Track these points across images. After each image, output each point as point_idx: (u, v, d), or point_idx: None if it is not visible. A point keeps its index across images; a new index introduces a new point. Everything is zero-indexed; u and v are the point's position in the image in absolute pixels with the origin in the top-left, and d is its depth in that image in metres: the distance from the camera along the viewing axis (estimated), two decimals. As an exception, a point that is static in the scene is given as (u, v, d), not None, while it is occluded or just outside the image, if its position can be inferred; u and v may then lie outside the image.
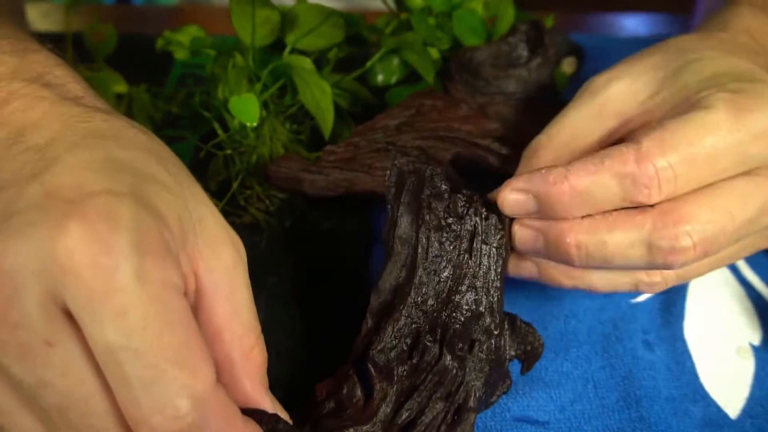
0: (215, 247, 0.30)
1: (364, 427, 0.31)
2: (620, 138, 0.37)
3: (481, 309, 0.34)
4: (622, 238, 0.32)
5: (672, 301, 0.42)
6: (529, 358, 0.35)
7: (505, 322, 0.34)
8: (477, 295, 0.34)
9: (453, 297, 0.34)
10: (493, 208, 0.35)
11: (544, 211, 0.33)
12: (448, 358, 0.32)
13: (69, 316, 0.25)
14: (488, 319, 0.34)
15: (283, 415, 0.31)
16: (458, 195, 0.35)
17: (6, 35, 0.33)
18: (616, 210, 0.32)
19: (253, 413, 0.29)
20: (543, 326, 0.40)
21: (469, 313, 0.34)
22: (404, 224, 0.35)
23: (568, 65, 0.52)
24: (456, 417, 0.32)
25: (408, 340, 0.33)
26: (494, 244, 0.34)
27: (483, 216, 0.34)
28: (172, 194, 0.28)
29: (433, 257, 0.34)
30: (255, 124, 0.45)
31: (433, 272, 0.34)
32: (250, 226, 0.45)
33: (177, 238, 0.27)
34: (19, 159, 0.27)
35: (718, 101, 0.32)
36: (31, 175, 0.26)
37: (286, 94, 0.49)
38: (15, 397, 0.25)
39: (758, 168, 0.32)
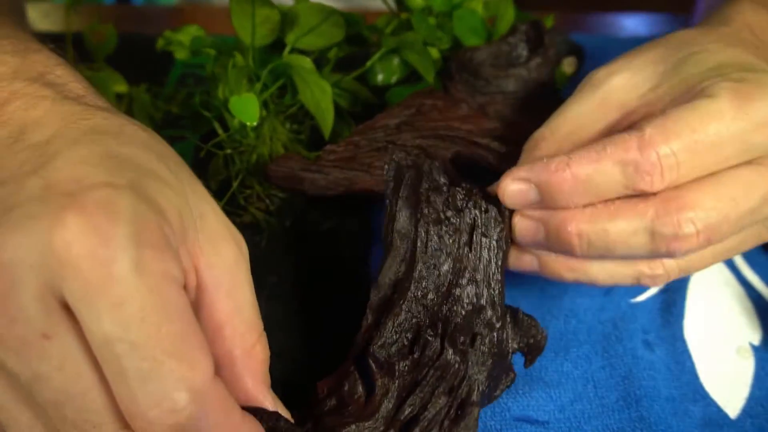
0: (216, 244, 0.30)
1: (366, 424, 0.31)
2: (622, 130, 0.37)
3: (482, 302, 0.34)
4: (624, 226, 0.32)
5: (672, 300, 0.42)
6: (532, 351, 0.35)
7: (507, 315, 0.34)
8: (478, 288, 0.34)
9: (453, 290, 0.34)
10: (492, 200, 0.35)
11: (545, 200, 0.33)
12: (450, 352, 0.32)
13: (67, 309, 0.24)
14: (489, 312, 0.33)
15: (284, 413, 0.31)
16: (457, 188, 0.35)
17: (7, 35, 0.33)
18: (618, 198, 0.32)
19: (253, 411, 0.29)
20: (543, 326, 0.40)
21: (470, 307, 0.33)
22: (403, 218, 0.34)
23: (568, 65, 0.52)
24: (459, 412, 0.32)
25: (409, 335, 0.33)
26: (494, 237, 0.34)
27: (482, 209, 0.34)
28: (172, 190, 0.28)
29: (432, 251, 0.34)
30: (255, 124, 0.45)
31: (432, 266, 0.34)
32: (251, 225, 0.45)
33: (177, 232, 0.27)
34: (20, 156, 0.27)
35: (721, 90, 0.31)
36: (32, 170, 0.26)
37: (286, 93, 0.49)
38: (12, 392, 0.25)
39: (762, 157, 0.32)
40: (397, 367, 0.32)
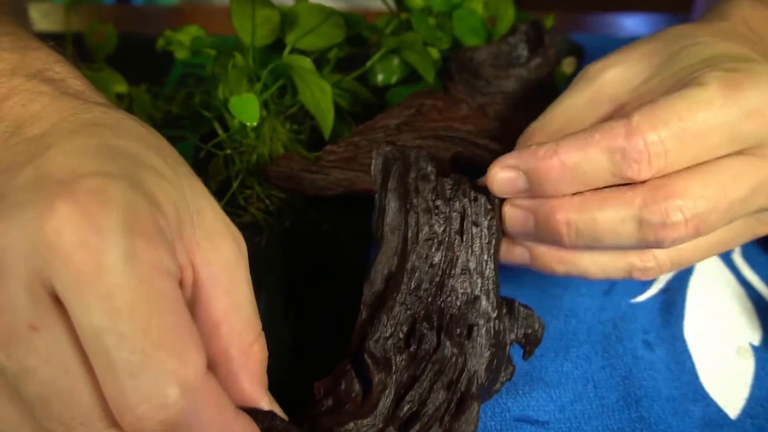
0: (214, 240, 0.29)
1: (365, 421, 0.30)
2: None
3: (477, 292, 0.33)
4: (612, 215, 0.31)
5: (672, 301, 0.42)
6: (530, 343, 0.34)
7: (503, 306, 0.34)
8: (471, 277, 0.33)
9: (447, 281, 0.33)
10: (482, 190, 0.34)
11: (533, 188, 0.33)
12: (447, 344, 0.32)
13: (56, 300, 0.24)
14: (485, 302, 0.33)
15: (281, 415, 0.30)
16: (445, 179, 0.34)
17: (7, 32, 0.33)
18: (607, 187, 0.32)
19: (248, 411, 0.28)
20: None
21: (464, 297, 0.33)
22: (392, 210, 0.34)
23: (568, 65, 0.52)
24: (459, 406, 0.31)
25: (404, 328, 0.32)
26: (485, 225, 0.34)
27: (471, 197, 0.34)
28: (169, 183, 0.28)
29: (423, 240, 0.34)
30: (255, 124, 0.45)
31: (424, 256, 0.33)
32: (250, 225, 0.45)
33: (173, 226, 0.27)
34: (16, 149, 0.27)
35: (711, 78, 0.31)
36: (26, 161, 0.26)
37: (286, 93, 0.49)
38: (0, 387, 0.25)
39: (753, 147, 0.32)
40: (393, 362, 0.32)
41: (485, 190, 0.34)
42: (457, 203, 0.34)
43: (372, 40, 0.52)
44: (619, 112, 0.36)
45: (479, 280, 0.33)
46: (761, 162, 0.32)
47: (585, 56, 0.56)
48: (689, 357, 0.40)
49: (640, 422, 0.36)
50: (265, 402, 0.30)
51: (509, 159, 0.33)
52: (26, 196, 0.24)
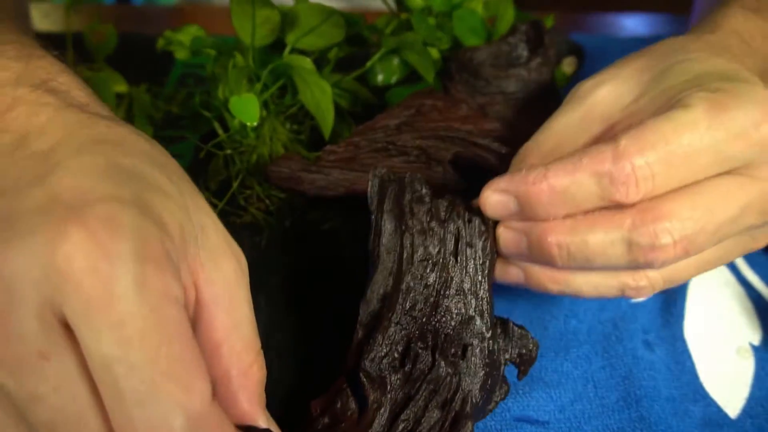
0: (216, 259, 0.29)
1: None
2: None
3: (471, 312, 0.34)
4: (602, 237, 0.32)
5: (672, 301, 0.42)
6: (524, 363, 0.35)
7: (497, 326, 0.34)
8: (466, 298, 0.34)
9: (442, 301, 0.34)
10: (476, 212, 0.35)
11: (524, 211, 0.33)
12: (442, 364, 0.32)
13: (66, 328, 0.24)
14: (479, 322, 0.34)
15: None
16: (440, 200, 0.35)
17: (11, 40, 0.33)
18: (597, 209, 0.32)
19: (245, 429, 0.29)
20: (543, 326, 0.40)
21: (459, 317, 0.34)
22: (388, 232, 0.35)
23: (568, 65, 0.52)
24: (454, 425, 0.32)
25: (399, 347, 0.33)
26: (479, 247, 0.34)
27: (466, 219, 0.35)
28: (174, 203, 0.28)
29: (418, 261, 0.34)
30: (255, 124, 0.45)
31: (419, 277, 0.34)
32: (250, 226, 0.45)
33: (178, 247, 0.27)
34: (22, 164, 0.27)
35: (697, 100, 0.31)
36: (34, 180, 0.26)
37: (286, 94, 0.49)
38: (6, 411, 0.25)
39: (741, 167, 0.32)
40: (388, 381, 0.32)
41: (479, 212, 0.35)
42: (452, 225, 0.34)
43: (372, 40, 0.52)
44: (610, 132, 0.36)
45: (473, 301, 0.34)
46: (749, 182, 0.32)
47: (585, 56, 0.56)
48: (689, 357, 0.40)
49: (640, 422, 0.36)
50: (263, 421, 0.30)
51: (501, 183, 0.33)
52: (37, 221, 0.24)
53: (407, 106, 0.47)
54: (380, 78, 0.50)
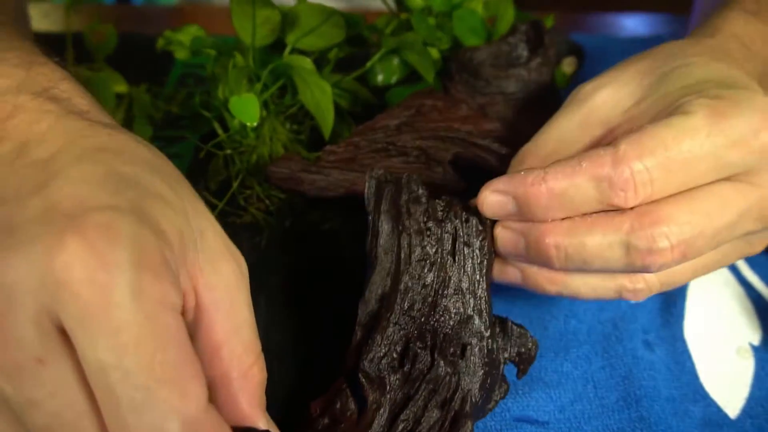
0: (216, 264, 0.29)
1: None
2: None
3: (470, 311, 0.34)
4: (600, 240, 0.32)
5: (672, 301, 0.42)
6: (523, 361, 0.35)
7: (496, 325, 0.34)
8: (464, 297, 0.34)
9: (440, 301, 0.34)
10: (473, 212, 0.35)
11: (523, 212, 0.33)
12: (441, 363, 0.32)
13: (63, 334, 0.24)
14: (477, 321, 0.34)
15: None
16: (437, 201, 0.35)
17: (13, 47, 0.33)
18: (595, 212, 0.32)
19: (245, 431, 0.29)
20: (543, 326, 0.41)
21: (457, 317, 0.34)
22: (385, 232, 0.35)
23: (568, 65, 0.52)
24: (453, 424, 0.32)
25: (398, 348, 0.33)
26: (476, 246, 0.34)
27: (463, 219, 0.35)
28: (173, 210, 0.28)
29: (416, 261, 0.34)
30: (255, 124, 0.45)
31: (417, 277, 0.34)
32: (250, 226, 0.45)
33: (177, 254, 0.27)
34: (22, 173, 0.27)
35: (697, 106, 0.32)
36: (33, 189, 0.26)
37: (286, 94, 0.49)
38: (4, 416, 0.25)
39: (740, 174, 0.32)
40: (388, 381, 0.32)
41: (477, 212, 0.35)
42: (449, 224, 0.34)
43: (372, 40, 0.52)
44: (610, 136, 0.36)
45: (472, 300, 0.34)
46: (748, 188, 0.32)
47: (585, 56, 0.56)
48: (689, 357, 0.40)
49: (640, 422, 0.36)
50: (263, 423, 0.30)
51: (499, 183, 0.33)
52: (36, 230, 0.25)
53: (407, 107, 0.47)
54: (380, 78, 0.50)
